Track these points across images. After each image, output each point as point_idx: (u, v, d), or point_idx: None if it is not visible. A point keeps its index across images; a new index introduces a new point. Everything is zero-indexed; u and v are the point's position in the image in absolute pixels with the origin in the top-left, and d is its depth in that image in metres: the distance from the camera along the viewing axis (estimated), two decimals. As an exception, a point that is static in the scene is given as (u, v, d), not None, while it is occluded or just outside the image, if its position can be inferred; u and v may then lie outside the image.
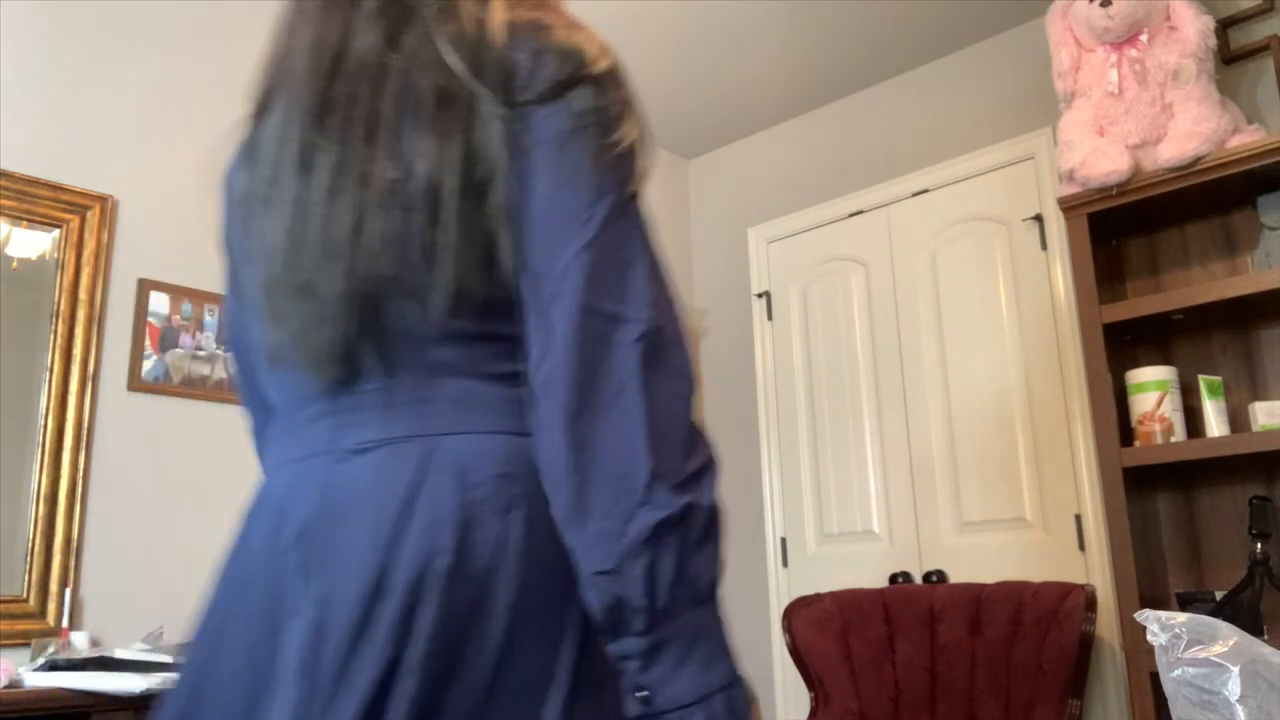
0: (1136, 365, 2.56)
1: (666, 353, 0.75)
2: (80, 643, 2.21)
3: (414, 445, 0.78)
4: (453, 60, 0.80)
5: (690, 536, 0.71)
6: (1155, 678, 2.27)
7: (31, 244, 2.37)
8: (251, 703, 0.76)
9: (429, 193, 0.77)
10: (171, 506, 2.49)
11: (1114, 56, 2.53)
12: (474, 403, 0.79)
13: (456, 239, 0.77)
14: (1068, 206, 2.59)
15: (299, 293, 0.81)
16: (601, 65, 0.80)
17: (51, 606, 2.25)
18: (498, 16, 0.82)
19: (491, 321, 0.80)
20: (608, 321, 0.74)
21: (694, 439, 0.74)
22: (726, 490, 3.46)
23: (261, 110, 0.90)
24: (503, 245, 0.78)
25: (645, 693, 0.71)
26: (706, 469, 0.74)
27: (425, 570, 0.72)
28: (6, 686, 1.85)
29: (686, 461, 0.73)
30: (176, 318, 2.58)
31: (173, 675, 0.84)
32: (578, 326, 0.74)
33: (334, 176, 0.80)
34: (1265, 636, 2.27)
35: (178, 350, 2.57)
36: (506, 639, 0.72)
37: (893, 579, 3.18)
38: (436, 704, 0.69)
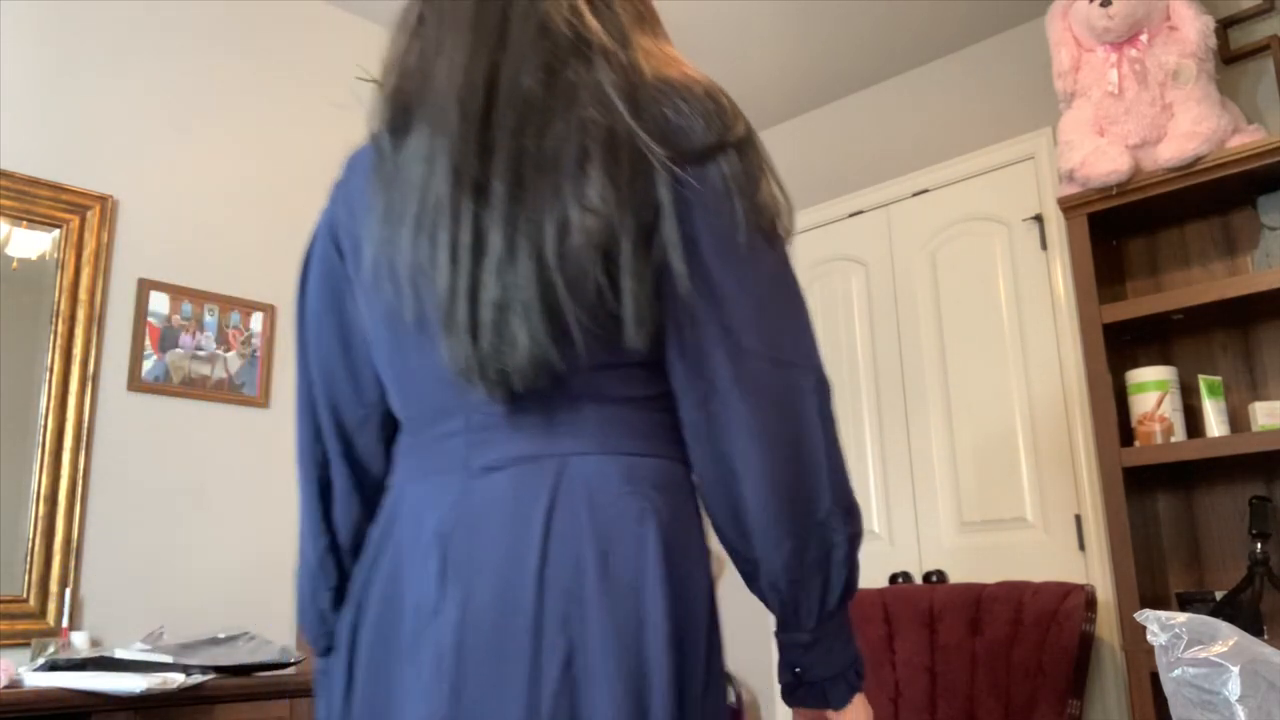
0: (1136, 365, 2.56)
1: (830, 398, 0.88)
2: (80, 643, 2.21)
3: (543, 465, 0.83)
4: (618, 104, 0.82)
5: (853, 559, 0.89)
6: (1155, 678, 2.27)
7: (31, 244, 2.37)
8: (403, 698, 0.83)
9: (607, 233, 0.80)
10: (171, 506, 2.49)
11: (1114, 56, 2.52)
12: (600, 425, 0.85)
13: (633, 280, 0.81)
14: (1068, 206, 2.59)
15: (479, 317, 0.82)
16: (740, 129, 0.87)
17: (51, 606, 2.24)
18: (641, 64, 0.86)
19: (626, 351, 0.84)
20: (789, 370, 0.85)
21: (847, 473, 0.89)
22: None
23: (396, 128, 0.89)
24: (668, 283, 0.83)
25: (800, 669, 0.90)
26: (856, 502, 0.90)
27: (572, 587, 0.79)
28: (6, 686, 1.85)
29: (850, 494, 0.88)
30: (176, 318, 2.58)
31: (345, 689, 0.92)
32: (767, 376, 0.84)
33: (510, 208, 0.81)
34: (1265, 636, 2.27)
35: (178, 350, 2.57)
36: (676, 651, 0.80)
37: (893, 579, 3.18)
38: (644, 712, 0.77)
